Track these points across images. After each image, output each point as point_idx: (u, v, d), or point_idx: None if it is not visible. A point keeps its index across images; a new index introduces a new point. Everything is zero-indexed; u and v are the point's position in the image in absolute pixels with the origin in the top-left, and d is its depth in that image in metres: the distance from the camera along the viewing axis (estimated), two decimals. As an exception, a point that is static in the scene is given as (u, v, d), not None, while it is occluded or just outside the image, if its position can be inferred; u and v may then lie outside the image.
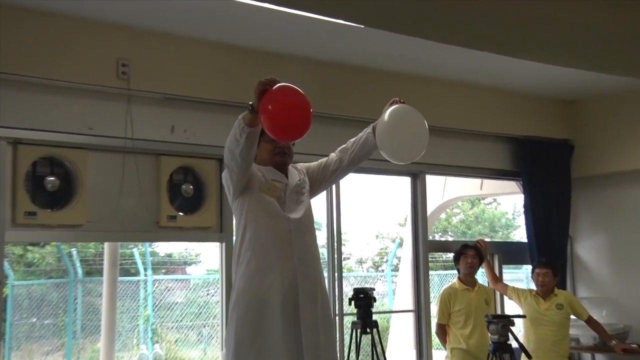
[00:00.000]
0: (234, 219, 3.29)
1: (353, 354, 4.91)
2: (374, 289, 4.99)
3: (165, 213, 4.72)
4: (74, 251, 9.46)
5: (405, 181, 6.14)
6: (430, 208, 7.11)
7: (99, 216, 4.49)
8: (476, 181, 7.80)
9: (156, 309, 9.61)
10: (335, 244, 5.52)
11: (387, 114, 3.07)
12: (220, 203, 4.94)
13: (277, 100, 2.70)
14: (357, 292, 4.94)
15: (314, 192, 3.34)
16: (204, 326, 9.86)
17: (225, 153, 2.96)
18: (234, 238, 3.16)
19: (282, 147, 3.17)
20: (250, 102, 2.76)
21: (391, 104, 3.15)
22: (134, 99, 4.57)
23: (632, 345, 5.78)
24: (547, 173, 6.57)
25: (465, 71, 5.75)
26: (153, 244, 10.41)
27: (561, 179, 6.63)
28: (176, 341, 9.75)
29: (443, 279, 12.65)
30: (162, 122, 4.72)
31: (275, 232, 3.02)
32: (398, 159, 3.10)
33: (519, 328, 5.65)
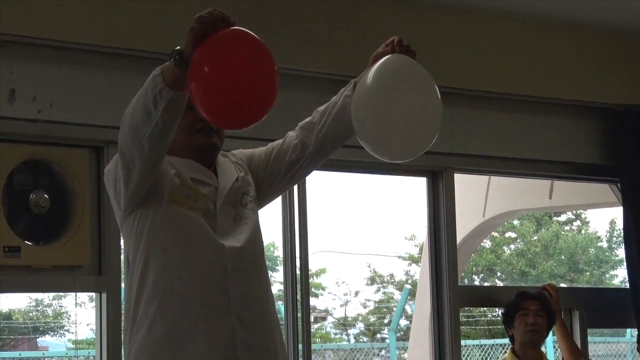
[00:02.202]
0: (123, 251, 3.33)
1: None
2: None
3: (1, 243, 4.74)
4: None
5: (420, 183, 6.20)
6: (462, 231, 7.18)
7: None
8: (543, 185, 7.89)
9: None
10: (300, 293, 5.55)
11: (371, 73, 3.08)
12: (98, 224, 4.96)
13: (222, 59, 2.71)
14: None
15: (263, 198, 3.39)
16: None
17: (122, 134, 2.98)
18: (125, 285, 3.20)
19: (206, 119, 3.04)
20: (177, 47, 2.76)
21: (383, 51, 3.17)
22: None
23: None
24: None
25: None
26: (-24, 297, 10.34)
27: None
28: None
29: (488, 354, 12.75)
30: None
31: (200, 272, 3.06)
32: (387, 154, 3.14)
33: None
